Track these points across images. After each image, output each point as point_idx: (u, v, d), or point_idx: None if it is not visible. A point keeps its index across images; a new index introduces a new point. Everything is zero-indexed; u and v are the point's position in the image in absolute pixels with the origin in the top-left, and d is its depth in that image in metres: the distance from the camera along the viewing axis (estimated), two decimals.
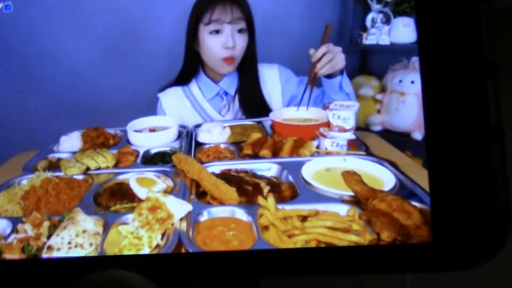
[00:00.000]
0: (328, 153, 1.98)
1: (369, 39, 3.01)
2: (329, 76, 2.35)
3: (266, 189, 1.70)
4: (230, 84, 2.62)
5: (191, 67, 2.63)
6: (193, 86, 2.65)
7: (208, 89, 2.63)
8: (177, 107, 2.63)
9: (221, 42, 2.45)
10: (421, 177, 1.63)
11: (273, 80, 2.64)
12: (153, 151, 2.16)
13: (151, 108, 2.67)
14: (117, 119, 2.45)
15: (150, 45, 2.98)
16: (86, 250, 1.39)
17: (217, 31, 2.45)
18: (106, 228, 1.49)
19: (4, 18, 2.64)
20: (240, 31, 2.47)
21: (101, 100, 2.93)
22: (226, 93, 2.63)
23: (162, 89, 2.67)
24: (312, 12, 3.00)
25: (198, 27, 2.49)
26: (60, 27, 2.86)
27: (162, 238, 1.42)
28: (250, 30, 2.51)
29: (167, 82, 2.66)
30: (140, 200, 1.63)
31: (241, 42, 2.49)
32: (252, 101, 2.59)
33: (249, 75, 2.60)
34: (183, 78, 2.66)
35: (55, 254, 1.38)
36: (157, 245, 1.40)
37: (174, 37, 2.78)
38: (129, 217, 1.52)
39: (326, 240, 1.36)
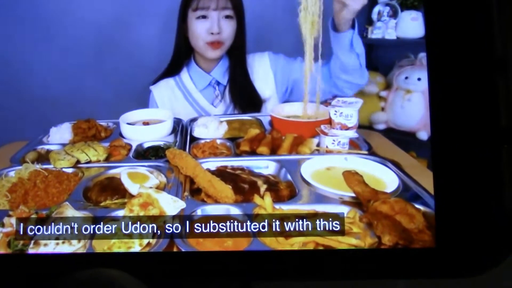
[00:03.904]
0: (329, 152, 1.98)
1: (375, 33, 3.00)
2: (338, 28, 2.35)
3: (263, 187, 1.69)
4: (222, 73, 2.65)
5: (181, 53, 2.67)
6: (185, 76, 2.67)
7: (200, 79, 2.66)
8: (168, 98, 2.66)
9: (206, 27, 2.51)
10: (425, 178, 1.62)
11: (264, 68, 2.68)
12: (146, 145, 2.15)
13: (143, 100, 2.68)
14: (109, 111, 2.45)
15: (142, 34, 2.98)
16: (74, 246, 1.39)
17: (204, 16, 2.50)
18: (96, 224, 1.48)
19: None
20: (227, 17, 2.52)
21: (92, 91, 2.93)
22: (218, 83, 2.66)
23: (154, 81, 2.69)
24: None
25: (187, 11, 2.54)
26: (49, 15, 2.86)
27: (153, 236, 1.41)
28: (238, 17, 2.56)
29: (159, 74, 2.68)
30: (132, 196, 1.62)
31: (228, 28, 2.54)
32: (242, 90, 2.62)
33: (238, 63, 2.64)
34: (174, 66, 2.70)
35: (41, 249, 1.38)
36: (148, 243, 1.39)
37: (166, 28, 2.79)
38: (120, 213, 1.52)
39: (325, 242, 1.35)
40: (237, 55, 2.63)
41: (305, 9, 2.23)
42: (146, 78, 2.70)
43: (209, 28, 2.50)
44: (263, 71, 2.66)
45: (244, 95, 2.60)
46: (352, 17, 2.29)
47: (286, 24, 2.50)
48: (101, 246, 1.39)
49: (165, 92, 2.67)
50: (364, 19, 3.10)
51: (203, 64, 2.67)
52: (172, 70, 2.69)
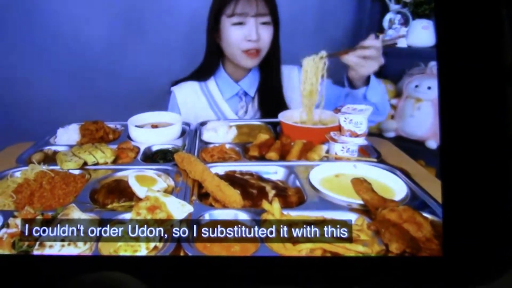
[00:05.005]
0: (338, 159, 1.98)
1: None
2: (354, 85, 2.34)
3: (271, 193, 1.70)
4: (250, 84, 2.61)
5: (211, 60, 2.62)
6: (211, 83, 2.64)
7: (227, 88, 2.63)
8: (192, 103, 2.62)
9: (244, 34, 2.45)
10: (433, 187, 1.62)
11: (293, 81, 2.63)
12: (154, 148, 2.17)
13: (159, 103, 2.67)
14: (119, 113, 2.44)
15: (163, 34, 2.98)
16: (79, 248, 1.39)
17: (240, 23, 2.44)
18: (102, 226, 1.48)
19: None
20: (264, 23, 2.45)
21: (103, 92, 2.93)
22: (245, 94, 2.62)
23: (176, 83, 2.66)
24: (326, 10, 3.00)
25: (220, 18, 2.47)
26: (61, 11, 2.87)
27: (160, 240, 1.42)
28: (275, 23, 2.49)
29: (181, 77, 2.65)
30: (139, 199, 1.63)
31: (266, 34, 2.48)
32: (272, 101, 2.56)
33: (271, 72, 2.59)
34: (202, 73, 2.65)
35: (47, 251, 1.38)
36: (155, 247, 1.39)
37: (190, 29, 2.78)
38: (127, 216, 1.52)
39: (332, 249, 1.36)
40: (271, 65, 2.59)
41: (304, 82, 2.24)
42: (165, 79, 2.70)
43: (247, 35, 2.44)
44: (291, 86, 2.62)
45: (272, 106, 2.53)
46: (363, 79, 2.30)
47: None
48: (107, 249, 1.39)
49: (188, 95, 2.64)
50: (375, 26, 3.11)
51: (232, 72, 2.63)
52: (200, 75, 2.65)
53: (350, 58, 2.23)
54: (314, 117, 2.30)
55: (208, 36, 2.57)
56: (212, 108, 2.60)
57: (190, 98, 2.63)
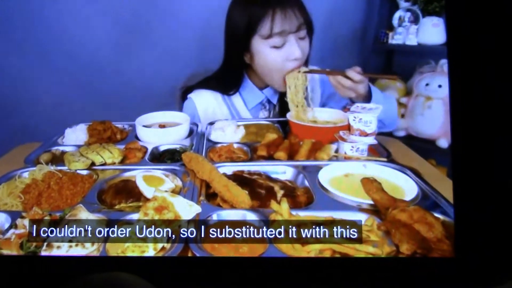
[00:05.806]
0: (347, 158, 1.97)
1: (396, 38, 3.00)
2: (352, 100, 2.28)
3: (280, 193, 1.69)
4: (274, 91, 2.56)
5: (236, 76, 2.55)
6: (235, 95, 2.59)
7: (252, 97, 2.58)
8: (213, 113, 2.58)
9: (285, 55, 2.33)
10: (445, 187, 1.61)
11: (313, 85, 2.54)
12: (162, 148, 2.16)
13: (167, 103, 2.66)
14: (127, 113, 2.44)
15: (171, 35, 2.98)
16: (87, 249, 1.39)
17: (281, 45, 2.31)
18: (110, 227, 1.48)
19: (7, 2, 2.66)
20: (302, 38, 2.35)
21: (110, 92, 2.93)
22: (269, 101, 2.59)
23: (189, 88, 2.62)
24: (336, 8, 3.00)
25: (251, 38, 2.35)
26: (70, 11, 2.87)
27: (168, 241, 1.41)
28: (310, 35, 2.40)
29: (188, 77, 2.62)
30: (147, 199, 1.62)
31: (306, 46, 2.38)
32: None
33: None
34: (226, 87, 2.56)
35: (54, 252, 1.38)
36: (163, 248, 1.39)
37: (197, 31, 2.77)
38: (134, 216, 1.51)
39: (342, 250, 1.35)
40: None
41: (291, 100, 2.24)
42: (166, 81, 2.70)
43: (289, 55, 2.32)
44: (311, 85, 2.45)
45: None
46: (362, 97, 2.26)
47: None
48: (114, 250, 1.39)
49: (209, 104, 2.58)
50: (384, 24, 3.10)
51: (257, 81, 2.56)
52: (224, 89, 2.56)
53: (330, 79, 2.23)
54: (323, 116, 2.28)
55: (234, 55, 2.46)
56: (234, 118, 2.55)
57: (211, 107, 2.58)
